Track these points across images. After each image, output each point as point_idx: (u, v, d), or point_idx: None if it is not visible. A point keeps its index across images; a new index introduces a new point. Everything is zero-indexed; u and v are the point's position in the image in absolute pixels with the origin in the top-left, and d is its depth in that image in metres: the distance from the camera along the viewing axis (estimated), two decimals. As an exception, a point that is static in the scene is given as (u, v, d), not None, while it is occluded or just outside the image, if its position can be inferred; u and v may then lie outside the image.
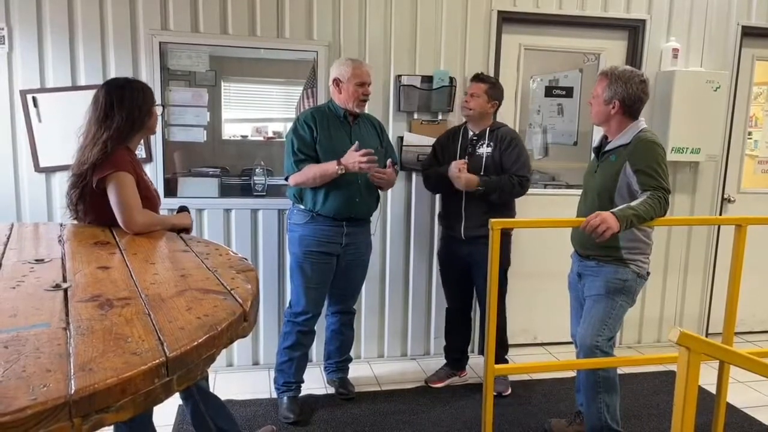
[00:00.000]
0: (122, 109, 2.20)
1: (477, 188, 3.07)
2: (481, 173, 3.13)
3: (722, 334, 2.70)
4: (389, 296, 3.72)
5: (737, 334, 4.02)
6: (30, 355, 0.97)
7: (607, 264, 2.57)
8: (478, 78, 3.22)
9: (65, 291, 1.34)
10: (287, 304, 3.23)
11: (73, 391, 0.85)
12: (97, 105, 2.22)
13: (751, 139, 4.39)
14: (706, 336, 4.16)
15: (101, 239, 1.96)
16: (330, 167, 2.80)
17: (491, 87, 3.18)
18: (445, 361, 3.53)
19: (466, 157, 3.18)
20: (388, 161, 2.95)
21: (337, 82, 2.93)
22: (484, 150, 3.17)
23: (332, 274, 3.05)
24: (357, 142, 2.81)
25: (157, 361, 0.97)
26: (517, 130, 3.48)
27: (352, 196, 2.91)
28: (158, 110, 2.38)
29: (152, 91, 2.34)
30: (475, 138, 3.21)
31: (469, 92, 3.21)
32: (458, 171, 3.08)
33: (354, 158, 2.76)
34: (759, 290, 4.28)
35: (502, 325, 3.37)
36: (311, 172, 2.85)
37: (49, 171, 3.21)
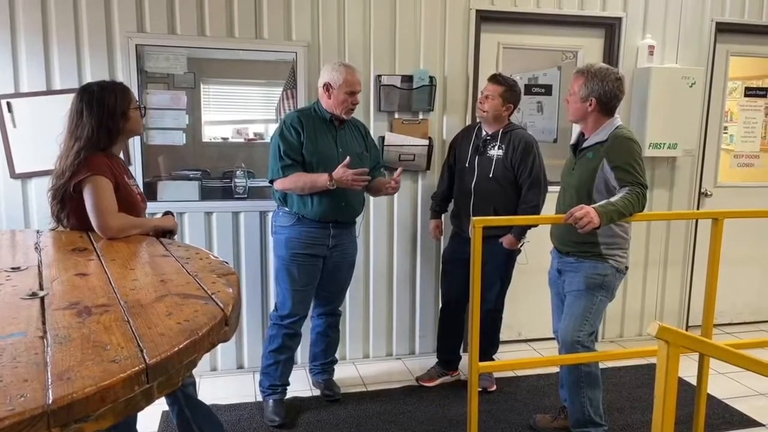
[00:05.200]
0: (92, 116, 2.15)
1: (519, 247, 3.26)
2: (491, 175, 3.16)
3: (701, 327, 2.74)
4: (373, 297, 3.72)
5: (717, 326, 4.09)
6: (7, 365, 0.96)
7: (586, 259, 2.60)
8: (494, 79, 3.16)
9: (42, 299, 1.32)
10: (272, 307, 3.21)
11: (50, 401, 0.84)
12: (70, 113, 2.18)
13: (726, 133, 4.45)
14: (687, 329, 4.22)
15: (79, 246, 1.94)
16: (320, 180, 2.78)
17: (507, 90, 3.13)
18: (436, 360, 3.53)
19: (477, 157, 3.20)
20: (399, 169, 2.96)
21: (327, 86, 2.89)
22: (495, 152, 3.17)
23: (319, 275, 3.03)
24: (348, 158, 2.77)
25: (137, 368, 0.95)
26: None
27: (338, 200, 2.90)
28: (141, 111, 2.32)
29: (129, 92, 2.27)
30: (487, 138, 3.22)
31: (485, 93, 3.18)
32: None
33: (347, 175, 2.73)
34: (737, 282, 4.35)
35: (496, 326, 3.40)
36: (300, 181, 2.83)
37: (25, 177, 3.16)
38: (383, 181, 3.06)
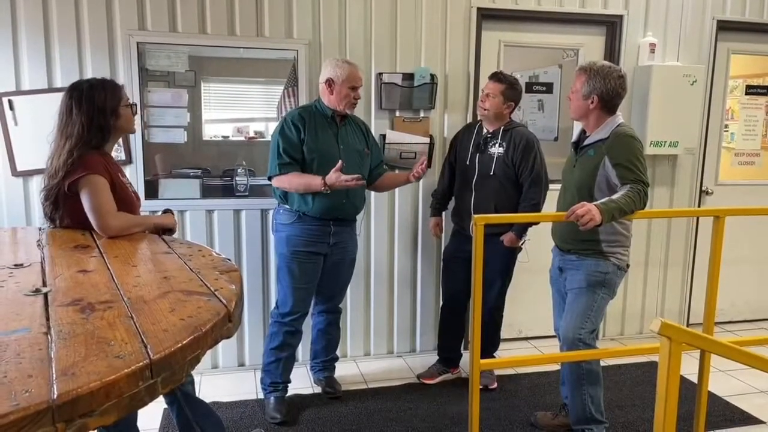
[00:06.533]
0: (81, 114, 2.12)
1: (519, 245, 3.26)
2: (491, 173, 3.16)
3: (702, 324, 2.74)
4: (374, 294, 3.72)
5: (717, 324, 4.09)
6: (11, 361, 0.96)
7: (588, 257, 2.60)
8: (495, 77, 3.17)
9: (45, 295, 1.33)
10: (273, 305, 3.22)
11: (55, 396, 0.84)
12: (60, 110, 2.16)
13: (727, 131, 4.46)
14: (688, 327, 4.21)
15: (81, 243, 1.94)
16: (314, 184, 2.77)
17: (508, 88, 3.13)
18: (437, 358, 3.54)
19: (478, 155, 3.20)
20: (423, 158, 3.01)
21: (330, 82, 2.89)
22: (496, 150, 3.17)
23: (320, 273, 3.04)
24: (340, 162, 2.76)
25: (141, 363, 0.96)
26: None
27: (339, 197, 2.90)
28: (133, 108, 2.29)
29: (120, 90, 2.24)
30: (488, 136, 3.22)
31: (485, 92, 3.18)
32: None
33: (341, 181, 2.71)
34: (738, 280, 4.35)
35: (497, 324, 3.40)
36: (295, 182, 2.84)
37: (27, 175, 3.16)
38: (397, 175, 3.11)
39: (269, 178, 2.93)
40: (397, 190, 3.63)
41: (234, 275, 1.52)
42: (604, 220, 2.29)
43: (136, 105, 2.39)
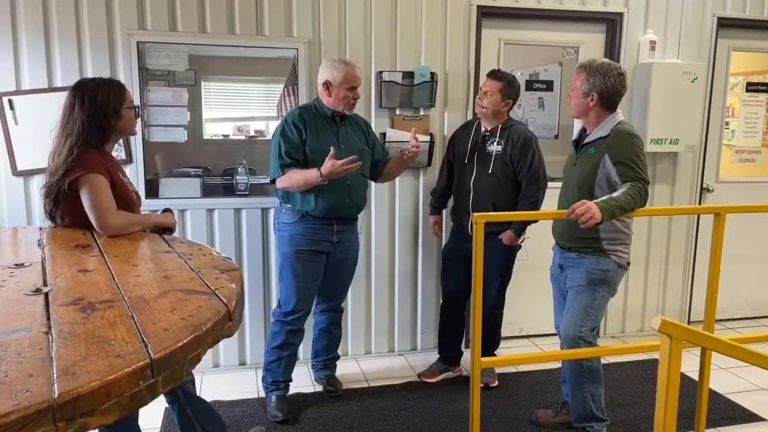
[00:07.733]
0: (83, 112, 2.12)
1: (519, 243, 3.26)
2: (490, 171, 3.16)
3: (703, 322, 2.74)
4: (375, 293, 3.72)
5: (718, 322, 4.09)
6: (12, 360, 0.96)
7: (588, 255, 2.60)
8: (493, 75, 3.17)
9: (46, 295, 1.33)
10: (275, 304, 3.22)
11: (56, 395, 0.84)
12: (63, 107, 2.16)
13: (728, 129, 4.45)
14: (688, 324, 4.22)
15: (82, 242, 1.94)
16: (312, 176, 2.75)
17: (506, 85, 3.13)
18: (438, 356, 3.54)
19: (476, 153, 3.21)
20: (413, 130, 2.97)
21: (327, 85, 2.88)
22: (495, 148, 3.17)
23: (322, 272, 3.03)
24: (332, 149, 2.73)
25: (142, 363, 0.96)
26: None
27: (341, 197, 2.89)
28: (136, 111, 2.29)
29: (124, 91, 2.24)
30: (487, 134, 3.22)
31: (483, 89, 3.18)
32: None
33: (336, 167, 2.68)
34: (738, 278, 4.35)
35: (497, 322, 3.40)
36: (294, 179, 2.82)
37: (27, 174, 3.16)
38: (398, 156, 3.06)
39: (272, 181, 2.92)
40: (397, 189, 3.63)
41: (234, 274, 1.52)
42: (604, 218, 2.29)
43: (139, 108, 2.39)
